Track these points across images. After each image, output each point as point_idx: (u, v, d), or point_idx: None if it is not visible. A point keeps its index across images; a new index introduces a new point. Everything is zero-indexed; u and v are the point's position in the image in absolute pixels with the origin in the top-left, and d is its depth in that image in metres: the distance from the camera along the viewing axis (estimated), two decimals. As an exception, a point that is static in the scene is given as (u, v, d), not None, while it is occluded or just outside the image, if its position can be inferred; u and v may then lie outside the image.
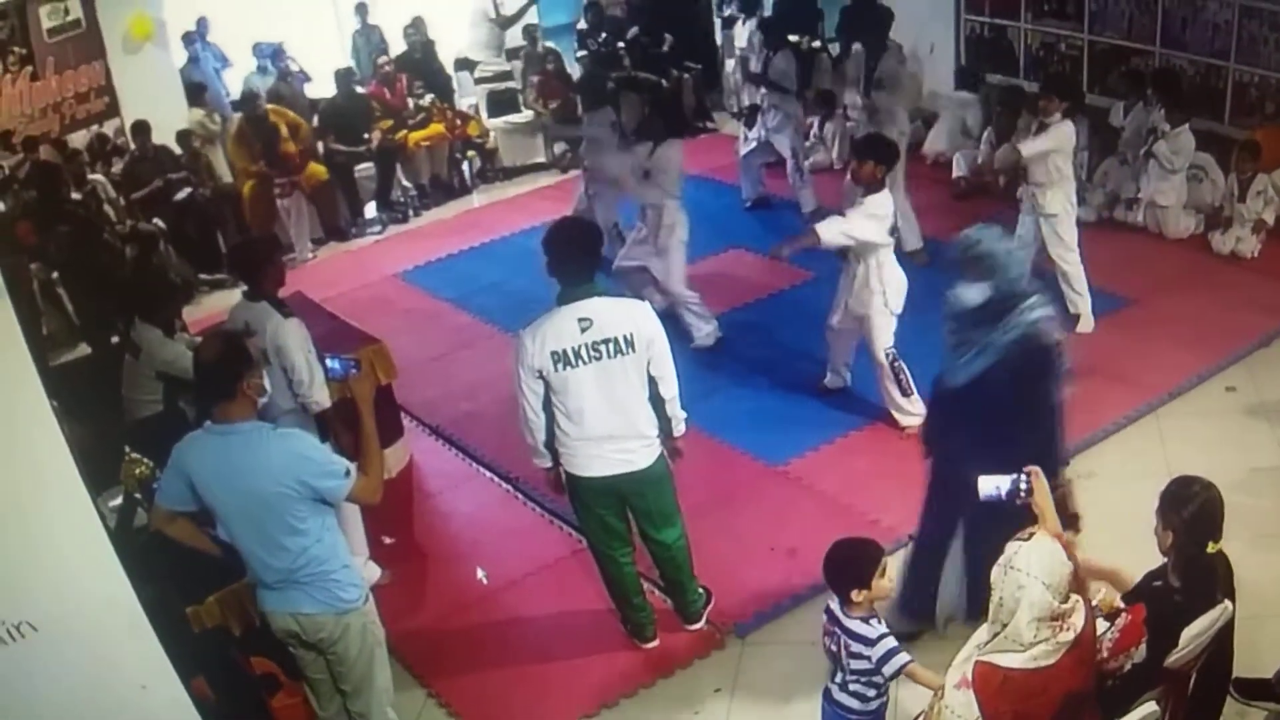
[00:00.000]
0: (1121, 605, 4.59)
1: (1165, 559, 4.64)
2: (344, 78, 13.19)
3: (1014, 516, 4.46)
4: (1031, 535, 4.16)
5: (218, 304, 10.36)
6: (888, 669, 4.58)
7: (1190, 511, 4.49)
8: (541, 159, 14.37)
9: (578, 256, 5.60)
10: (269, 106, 12.38)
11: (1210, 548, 4.52)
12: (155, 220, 11.56)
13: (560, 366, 5.50)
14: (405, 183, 13.60)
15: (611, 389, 5.56)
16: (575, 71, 14.58)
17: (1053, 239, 8.66)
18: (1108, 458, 7.40)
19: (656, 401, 5.77)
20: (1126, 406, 7.84)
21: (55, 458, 4.14)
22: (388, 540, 7.28)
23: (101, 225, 10.81)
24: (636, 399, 5.67)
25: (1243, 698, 5.17)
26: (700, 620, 6.36)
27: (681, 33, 15.16)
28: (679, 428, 5.94)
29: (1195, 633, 4.46)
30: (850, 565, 4.64)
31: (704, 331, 9.21)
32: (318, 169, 12.61)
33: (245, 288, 6.51)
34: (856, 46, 11.93)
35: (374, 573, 6.72)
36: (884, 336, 7.64)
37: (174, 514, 4.89)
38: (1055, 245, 8.68)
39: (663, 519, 5.97)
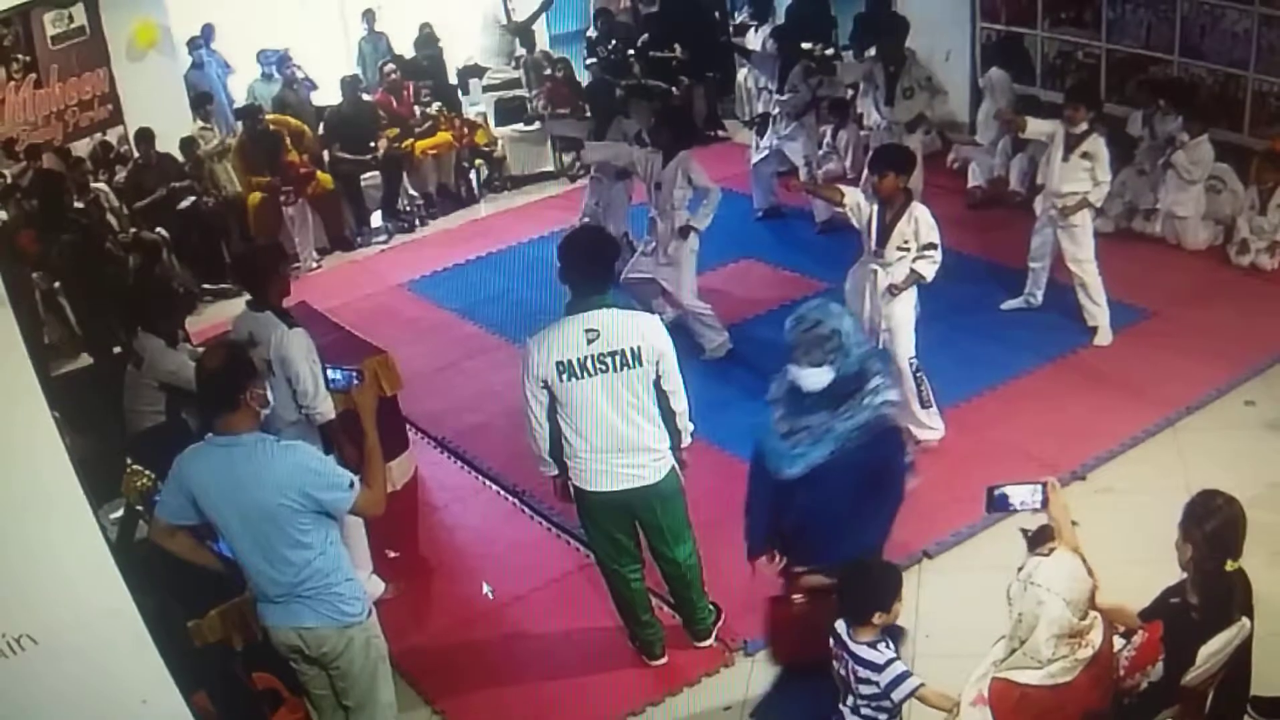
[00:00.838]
0: (1139, 622, 4.55)
1: (1183, 574, 4.58)
2: (350, 85, 13.15)
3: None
4: (1052, 551, 4.10)
5: (221, 314, 10.33)
6: (897, 694, 4.51)
7: (1212, 526, 4.42)
8: (550, 167, 14.33)
9: (591, 266, 5.55)
10: (270, 115, 12.34)
11: (1229, 566, 4.46)
12: (158, 229, 11.52)
13: (565, 377, 5.45)
14: (412, 192, 13.56)
15: (618, 402, 5.51)
16: (585, 79, 14.58)
17: (1071, 249, 8.64)
18: (1125, 472, 7.33)
19: (667, 415, 5.70)
20: (1144, 420, 7.77)
21: (56, 469, 4.16)
22: (392, 554, 7.22)
23: (104, 234, 10.82)
24: (644, 413, 5.61)
25: (1261, 716, 5.11)
26: (710, 637, 6.29)
27: (694, 40, 15.09)
28: (685, 439, 5.89)
29: (1213, 650, 4.42)
30: (874, 591, 4.55)
31: (715, 343, 9.15)
32: (323, 178, 12.57)
33: (249, 297, 6.44)
34: (870, 54, 11.87)
35: (378, 587, 6.67)
36: (908, 345, 7.56)
37: (174, 528, 4.84)
38: (1073, 256, 8.65)
39: (674, 536, 5.90)
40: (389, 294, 11.54)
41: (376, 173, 13.19)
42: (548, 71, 14.45)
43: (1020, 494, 4.48)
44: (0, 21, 10.74)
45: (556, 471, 5.86)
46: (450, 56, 14.93)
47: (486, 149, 14.10)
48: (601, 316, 5.44)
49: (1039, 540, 4.41)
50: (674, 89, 14.37)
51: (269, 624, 4.92)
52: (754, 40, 13.90)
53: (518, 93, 14.61)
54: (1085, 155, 8.42)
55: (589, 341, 5.40)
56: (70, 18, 12.23)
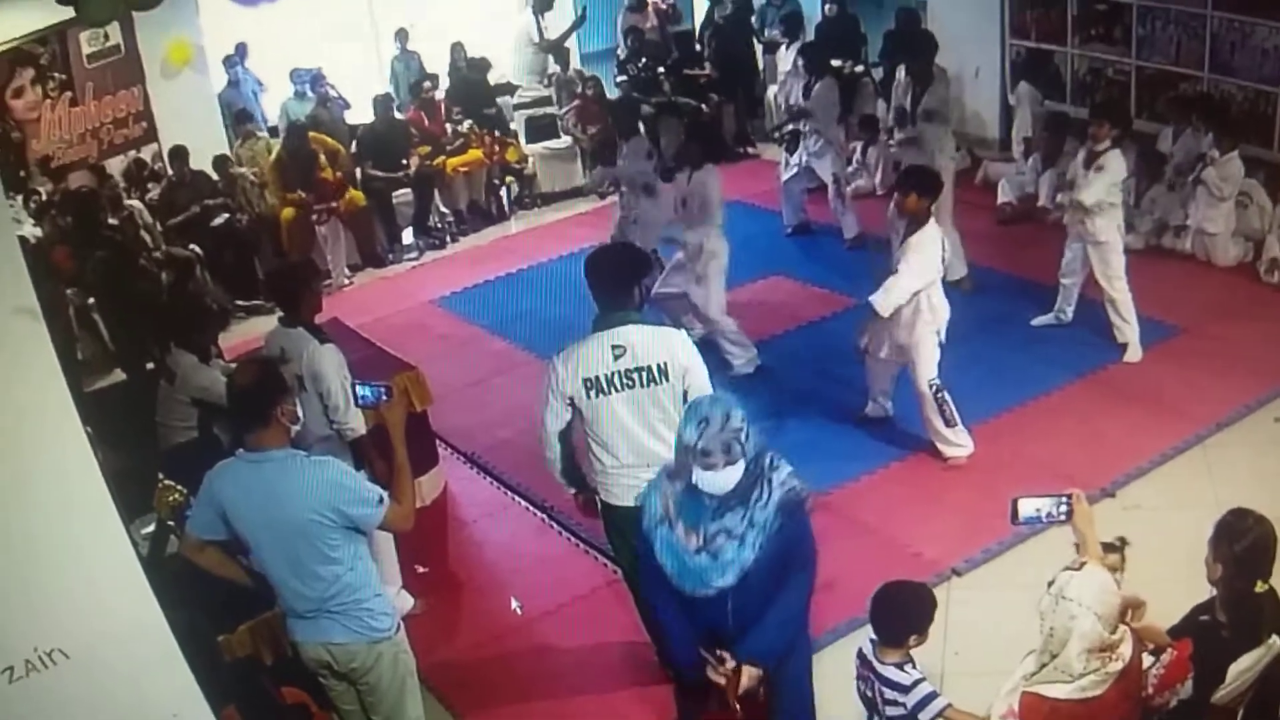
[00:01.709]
0: (1169, 640, 4.52)
1: (1212, 592, 4.56)
2: (382, 104, 13.21)
3: None
4: (1083, 565, 4.09)
5: (254, 330, 10.36)
6: (924, 715, 4.47)
7: (1242, 546, 4.40)
8: (580, 184, 14.32)
9: (620, 282, 5.51)
10: (310, 134, 12.42)
11: (1259, 586, 4.43)
12: (191, 246, 11.59)
13: (592, 394, 5.43)
14: (443, 209, 13.59)
15: (645, 418, 5.48)
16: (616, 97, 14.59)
17: (1101, 266, 8.61)
18: (1153, 489, 7.29)
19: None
20: (1174, 437, 7.73)
21: (88, 484, 4.19)
22: (421, 569, 7.24)
23: (138, 251, 10.88)
24: (672, 428, 5.55)
25: (1291, 735, 5.07)
26: (737, 654, 6.24)
27: (723, 59, 15.11)
28: None
29: (1243, 668, 4.40)
30: (910, 614, 4.52)
31: (743, 359, 9.13)
32: (356, 195, 12.62)
33: (281, 313, 6.48)
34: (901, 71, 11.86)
35: (407, 602, 6.69)
36: (929, 367, 7.54)
37: (204, 543, 4.86)
38: (1103, 273, 8.62)
39: (701, 550, 5.85)
40: (420, 310, 11.57)
41: (408, 190, 13.24)
42: (579, 89, 14.49)
43: (1045, 506, 4.45)
44: (37, 40, 10.86)
45: (574, 490, 5.87)
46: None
47: (517, 166, 14.11)
48: (628, 332, 5.41)
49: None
50: (704, 106, 14.39)
51: (298, 639, 4.92)
52: (784, 58, 13.88)
53: (548, 110, 14.65)
54: (1099, 169, 8.41)
55: (616, 358, 5.37)
56: (106, 36, 12.29)
